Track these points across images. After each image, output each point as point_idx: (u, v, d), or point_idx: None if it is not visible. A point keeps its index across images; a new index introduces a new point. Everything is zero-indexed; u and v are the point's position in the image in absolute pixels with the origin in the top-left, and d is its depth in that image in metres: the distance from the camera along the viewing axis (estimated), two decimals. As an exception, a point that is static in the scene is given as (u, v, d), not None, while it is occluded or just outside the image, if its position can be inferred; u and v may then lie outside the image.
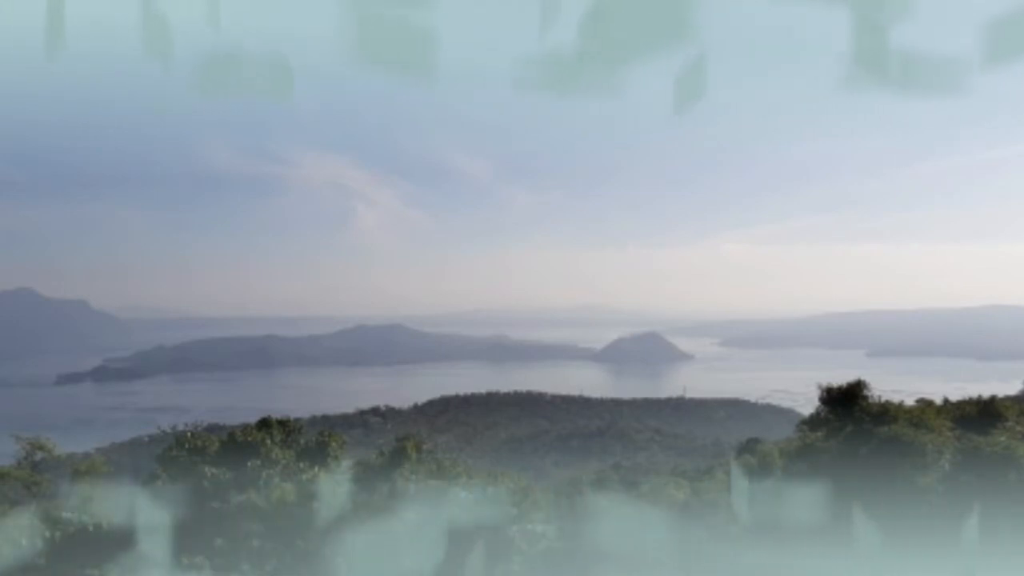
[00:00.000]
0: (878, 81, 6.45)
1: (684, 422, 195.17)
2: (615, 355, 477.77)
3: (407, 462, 29.03)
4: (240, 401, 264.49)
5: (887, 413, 29.02)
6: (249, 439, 28.68)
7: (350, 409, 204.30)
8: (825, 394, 30.50)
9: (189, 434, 29.89)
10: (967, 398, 35.39)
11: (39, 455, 29.99)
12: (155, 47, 6.62)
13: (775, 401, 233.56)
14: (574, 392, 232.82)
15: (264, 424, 30.12)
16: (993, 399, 33.97)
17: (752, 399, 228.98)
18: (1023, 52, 6.38)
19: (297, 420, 31.68)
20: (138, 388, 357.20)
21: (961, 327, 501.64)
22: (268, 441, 28.83)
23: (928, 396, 36.96)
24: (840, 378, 31.00)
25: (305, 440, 30.45)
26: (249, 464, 27.61)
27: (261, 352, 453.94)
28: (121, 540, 24.97)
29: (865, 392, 29.92)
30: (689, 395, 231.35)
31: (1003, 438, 28.15)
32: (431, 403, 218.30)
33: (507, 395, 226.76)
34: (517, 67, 6.71)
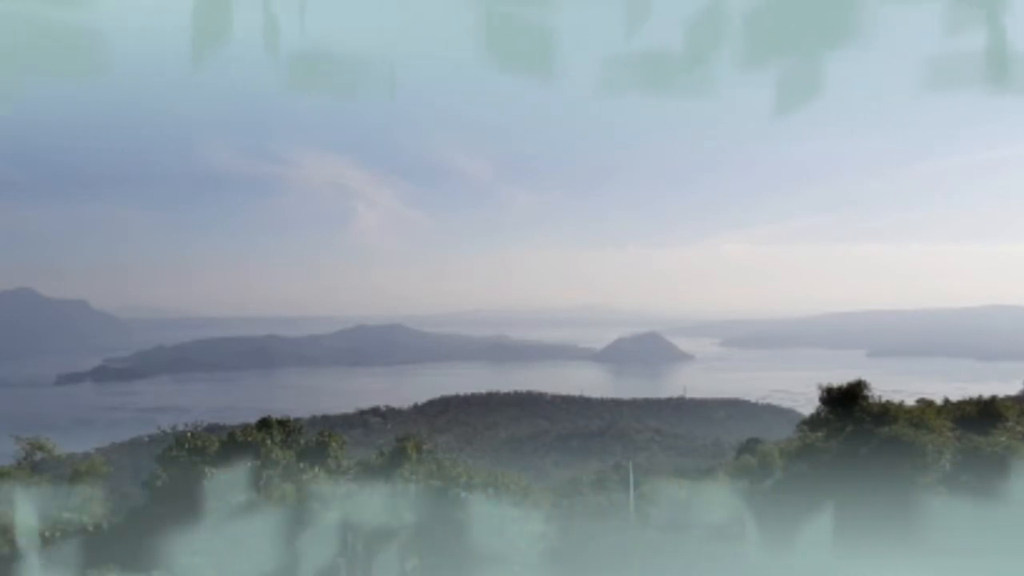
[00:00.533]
0: (976, 80, 6.30)
1: (684, 422, 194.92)
2: (615, 355, 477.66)
3: (407, 462, 29.03)
4: (240, 401, 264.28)
5: (887, 413, 29.02)
6: (249, 439, 28.68)
7: (350, 409, 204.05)
8: (825, 394, 30.51)
9: (189, 434, 29.87)
10: (967, 398, 35.43)
11: (39, 455, 29.98)
12: (269, 47, 6.56)
13: (775, 401, 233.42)
14: (574, 392, 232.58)
15: (264, 424, 30.11)
16: (993, 399, 34.01)
17: (752, 399, 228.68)
18: None
19: (297, 420, 31.66)
20: (138, 388, 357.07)
21: (961, 327, 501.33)
22: (268, 441, 28.83)
23: (928, 396, 36.96)
24: (840, 378, 31.01)
25: (305, 440, 30.44)
26: (249, 464, 27.59)
27: (261, 352, 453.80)
28: (121, 540, 24.99)
29: (865, 392, 29.93)
30: (689, 395, 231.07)
31: (1003, 438, 28.17)
32: (431, 403, 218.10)
33: (507, 395, 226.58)
34: (605, 67, 6.64)
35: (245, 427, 30.12)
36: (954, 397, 36.90)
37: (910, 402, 32.54)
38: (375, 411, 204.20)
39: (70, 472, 29.04)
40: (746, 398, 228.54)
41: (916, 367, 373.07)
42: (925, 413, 30.10)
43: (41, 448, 29.97)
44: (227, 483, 26.57)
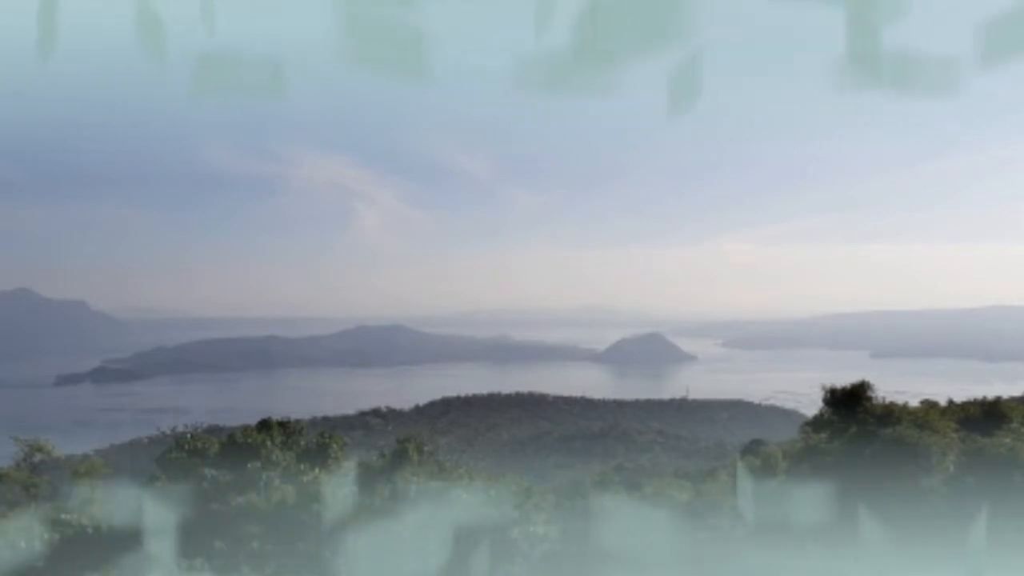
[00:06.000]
0: (873, 82, 6.35)
1: (687, 423, 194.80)
2: (617, 356, 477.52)
3: (408, 464, 28.88)
4: (240, 402, 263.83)
5: (891, 414, 28.88)
6: (249, 441, 28.57)
7: (351, 410, 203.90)
8: (829, 395, 30.36)
9: (189, 436, 29.79)
10: (971, 399, 35.24)
11: (38, 457, 29.89)
12: (149, 46, 6.51)
13: (778, 402, 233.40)
14: (576, 393, 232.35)
15: (264, 426, 30.00)
16: (998, 400, 33.88)
17: (755, 400, 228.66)
18: (1022, 52, 6.28)
19: (297, 421, 31.57)
20: (137, 389, 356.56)
21: (965, 328, 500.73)
22: (268, 443, 28.72)
23: (932, 397, 36.78)
24: (844, 379, 30.88)
25: (305, 442, 30.33)
26: (249, 466, 27.47)
27: (261, 353, 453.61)
28: (120, 542, 24.83)
29: (869, 393, 29.79)
30: (692, 396, 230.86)
31: (1008, 439, 27.99)
32: (432, 404, 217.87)
33: (509, 396, 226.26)
34: (516, 66, 6.61)
35: (245, 428, 30.03)
36: (958, 398, 36.70)
37: (914, 403, 32.41)
38: (376, 412, 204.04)
39: (69, 474, 28.92)
40: (749, 399, 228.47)
41: (920, 368, 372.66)
42: (929, 414, 29.94)
43: (40, 450, 29.87)
44: (227, 484, 26.46)
